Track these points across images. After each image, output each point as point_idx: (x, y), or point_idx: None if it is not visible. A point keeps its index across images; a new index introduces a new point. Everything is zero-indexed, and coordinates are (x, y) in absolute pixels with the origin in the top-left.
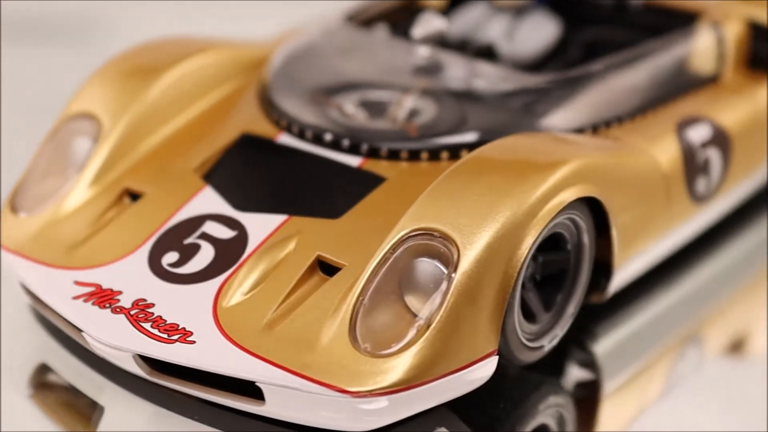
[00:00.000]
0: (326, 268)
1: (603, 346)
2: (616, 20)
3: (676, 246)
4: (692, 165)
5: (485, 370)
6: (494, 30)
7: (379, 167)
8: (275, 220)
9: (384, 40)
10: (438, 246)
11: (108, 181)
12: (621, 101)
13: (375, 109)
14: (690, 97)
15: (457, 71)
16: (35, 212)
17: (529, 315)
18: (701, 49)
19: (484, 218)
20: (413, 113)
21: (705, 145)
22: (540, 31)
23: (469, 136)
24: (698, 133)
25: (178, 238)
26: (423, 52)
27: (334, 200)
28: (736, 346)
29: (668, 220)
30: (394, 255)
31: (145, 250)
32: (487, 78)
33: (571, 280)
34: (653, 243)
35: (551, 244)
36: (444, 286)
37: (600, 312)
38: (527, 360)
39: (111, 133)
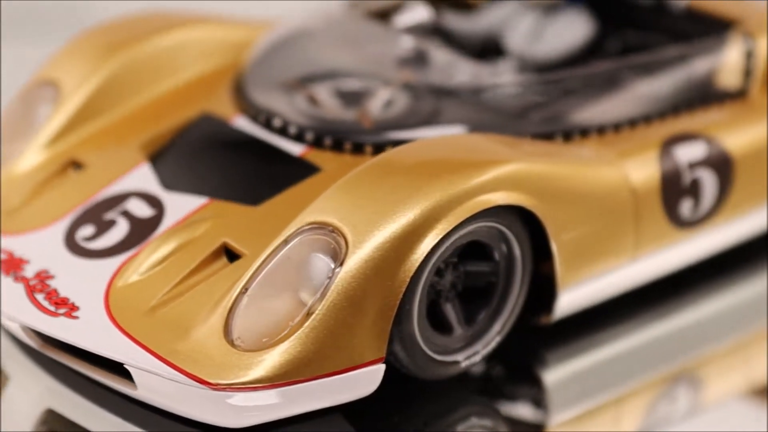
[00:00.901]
0: (233, 256)
1: (554, 375)
2: (657, 23)
3: (657, 272)
4: (673, 185)
5: (370, 378)
6: (522, 28)
7: (321, 157)
8: (195, 201)
9: (371, 29)
10: (330, 241)
11: (59, 148)
12: (607, 110)
13: (349, 99)
14: (700, 113)
15: (440, 65)
16: None
17: (445, 327)
18: (723, 62)
19: (381, 217)
20: (386, 105)
21: (695, 165)
22: (569, 32)
23: (425, 133)
24: (689, 152)
25: (99, 212)
26: (407, 43)
27: (260, 187)
28: (716, 401)
29: (637, 242)
30: (286, 247)
31: (66, 222)
32: (465, 74)
33: (499, 295)
34: (618, 265)
35: (479, 254)
36: (326, 282)
37: (560, 337)
38: (437, 375)
39: (69, 101)
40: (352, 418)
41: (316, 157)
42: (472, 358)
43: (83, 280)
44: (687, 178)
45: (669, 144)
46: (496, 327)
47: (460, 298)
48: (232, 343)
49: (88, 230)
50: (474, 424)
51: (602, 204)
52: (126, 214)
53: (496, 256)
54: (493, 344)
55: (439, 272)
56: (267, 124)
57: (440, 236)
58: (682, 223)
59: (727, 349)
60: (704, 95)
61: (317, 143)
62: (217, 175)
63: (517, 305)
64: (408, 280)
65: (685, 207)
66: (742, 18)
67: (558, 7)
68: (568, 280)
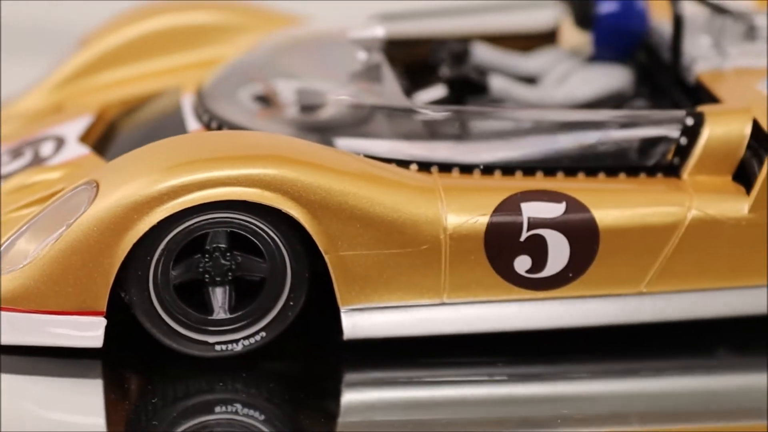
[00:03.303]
0: None
1: (352, 397)
2: (668, 88)
3: (492, 324)
4: (502, 237)
5: (91, 328)
6: (556, 73)
7: None
8: (79, 151)
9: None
10: (90, 195)
11: (62, 94)
12: (504, 149)
13: (304, 96)
14: (608, 179)
15: (384, 82)
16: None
17: (207, 307)
18: (667, 138)
19: (128, 180)
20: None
21: (540, 224)
22: (586, 85)
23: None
24: (538, 210)
25: (24, 145)
26: (361, 56)
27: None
28: None
29: (452, 285)
30: (65, 195)
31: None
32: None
33: (268, 293)
34: (423, 302)
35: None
36: (65, 227)
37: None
38: (187, 350)
39: (84, 53)
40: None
41: None
42: (229, 346)
43: None
44: (523, 234)
45: (521, 196)
46: (261, 324)
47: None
48: None
49: (6, 158)
50: (235, 411)
51: (401, 233)
52: (35, 152)
53: (265, 254)
54: (256, 339)
55: (209, 254)
56: (195, 107)
57: (170, 212)
58: (521, 282)
59: None
60: (635, 163)
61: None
62: (122, 138)
63: (290, 309)
64: (131, 245)
65: (523, 265)
66: (728, 98)
67: (594, 60)
68: (352, 300)
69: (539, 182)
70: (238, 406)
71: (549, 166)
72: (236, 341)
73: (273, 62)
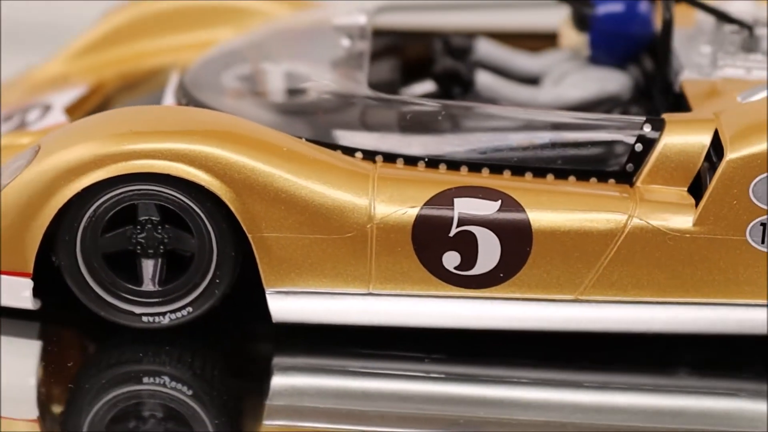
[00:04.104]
0: None
1: (284, 381)
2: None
3: (425, 321)
4: (430, 231)
5: (18, 289)
6: (555, 74)
7: None
8: (58, 120)
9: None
10: (31, 157)
11: (75, 66)
12: (452, 143)
13: (290, 79)
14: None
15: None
16: None
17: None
18: (623, 143)
19: (63, 146)
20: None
21: (471, 221)
22: (577, 88)
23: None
24: (471, 206)
25: (17, 110)
26: (344, 43)
27: None
28: None
29: (378, 276)
30: (11, 159)
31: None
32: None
33: (197, 269)
34: (349, 290)
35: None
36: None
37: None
38: (113, 318)
39: (103, 24)
40: None
41: None
42: (156, 317)
43: None
44: (453, 229)
45: (455, 191)
46: (188, 299)
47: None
48: None
49: None
50: (163, 384)
51: (327, 219)
52: (22, 118)
53: (193, 229)
54: (183, 314)
55: (141, 226)
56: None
57: (95, 180)
58: (448, 277)
59: None
60: (588, 167)
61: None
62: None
63: (217, 286)
64: (56, 210)
65: (450, 259)
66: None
67: (592, 62)
68: (277, 282)
69: (479, 179)
70: (166, 378)
71: (496, 163)
72: (163, 314)
73: (264, 45)
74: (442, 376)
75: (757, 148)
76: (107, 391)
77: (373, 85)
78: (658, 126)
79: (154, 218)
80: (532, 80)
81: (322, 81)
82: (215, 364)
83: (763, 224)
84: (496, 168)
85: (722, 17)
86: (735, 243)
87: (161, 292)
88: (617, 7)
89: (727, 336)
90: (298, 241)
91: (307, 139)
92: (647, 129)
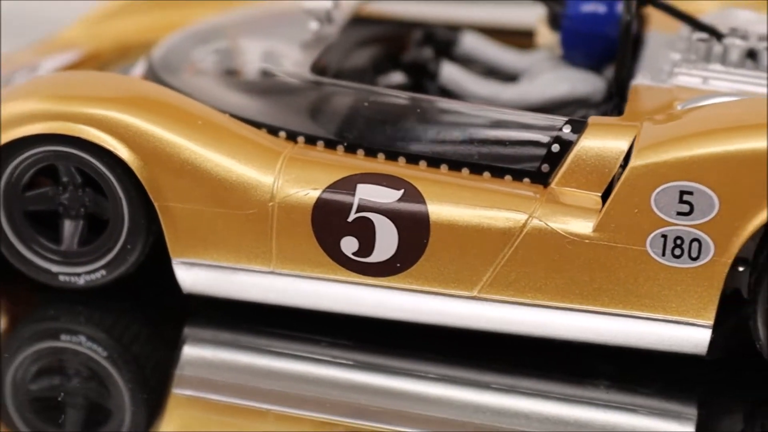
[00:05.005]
0: None
1: (194, 351)
2: None
3: (320, 303)
4: (329, 215)
5: None
6: (535, 69)
7: None
8: None
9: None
10: None
11: (89, 30)
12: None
13: (268, 57)
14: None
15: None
16: None
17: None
18: (541, 143)
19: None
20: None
21: (370, 208)
22: (544, 87)
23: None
24: (372, 194)
25: (15, 71)
26: (312, 26)
27: None
28: None
29: (278, 255)
30: None
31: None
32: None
33: (110, 232)
34: (253, 267)
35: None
36: None
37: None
38: (35, 276)
39: None
40: None
41: None
42: (72, 278)
43: None
44: (351, 215)
45: (360, 177)
46: (101, 262)
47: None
48: None
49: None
50: (79, 343)
51: (230, 194)
52: (10, 78)
53: (107, 194)
54: (97, 276)
55: (63, 187)
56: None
57: (11, 138)
58: (346, 262)
59: None
60: (505, 164)
61: (150, 77)
62: None
63: (128, 252)
64: None
65: (348, 245)
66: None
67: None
68: (183, 252)
69: (390, 167)
70: (83, 338)
71: (413, 153)
72: (78, 275)
73: (237, 25)
74: (350, 362)
75: (662, 157)
76: (30, 344)
77: (345, 73)
78: (578, 128)
79: (77, 181)
80: (516, 78)
81: (275, 62)
82: (131, 329)
83: (664, 236)
84: (413, 158)
85: (692, 23)
86: (634, 253)
87: (77, 253)
88: (588, 8)
89: (629, 349)
90: (203, 214)
91: (235, 115)
92: (566, 130)
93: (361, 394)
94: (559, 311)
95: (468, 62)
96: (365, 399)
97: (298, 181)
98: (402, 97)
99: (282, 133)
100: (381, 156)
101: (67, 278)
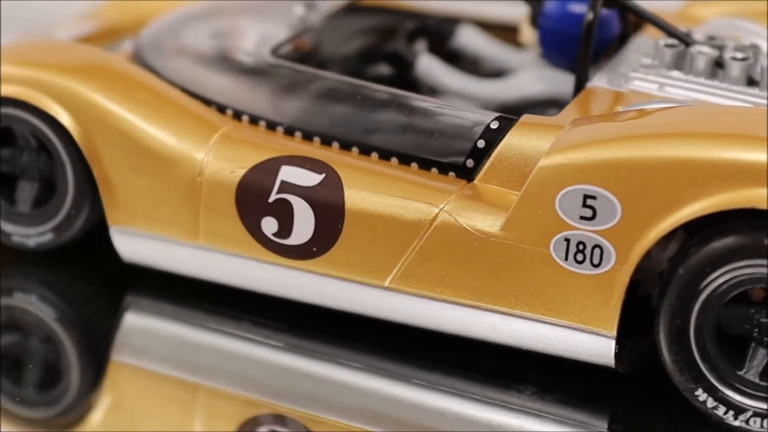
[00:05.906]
0: None
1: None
2: None
3: (245, 282)
4: (252, 194)
5: None
6: (522, 68)
7: None
8: None
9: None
10: None
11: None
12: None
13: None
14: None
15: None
16: None
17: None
18: (469, 137)
19: None
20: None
21: (291, 190)
22: (515, 88)
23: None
24: (294, 175)
25: None
26: (298, 11)
27: None
28: None
29: (205, 229)
30: None
31: None
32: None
33: (58, 197)
34: (181, 239)
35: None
36: None
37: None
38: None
39: None
40: None
41: None
42: (23, 239)
43: None
44: (272, 196)
45: (286, 159)
46: (49, 226)
47: None
48: None
49: None
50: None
51: (162, 166)
52: None
53: (55, 159)
54: (45, 240)
55: (21, 150)
56: None
57: None
58: (267, 243)
59: None
60: (432, 157)
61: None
62: None
63: (75, 217)
64: None
65: (268, 225)
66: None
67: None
68: (119, 220)
69: (318, 151)
70: (33, 297)
71: (347, 140)
72: (29, 236)
73: (225, 9)
74: (280, 345)
75: (569, 159)
76: None
77: (330, 59)
78: (505, 125)
79: (34, 145)
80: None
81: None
82: (82, 293)
83: (567, 239)
84: (346, 144)
85: (662, 27)
86: (538, 255)
87: (28, 215)
88: (564, 7)
89: (537, 353)
90: (138, 184)
91: (189, 91)
92: (493, 126)
93: (287, 376)
94: (469, 309)
95: (461, 56)
96: (290, 382)
97: (226, 158)
98: (346, 84)
99: (229, 111)
100: (317, 140)
101: (19, 239)
